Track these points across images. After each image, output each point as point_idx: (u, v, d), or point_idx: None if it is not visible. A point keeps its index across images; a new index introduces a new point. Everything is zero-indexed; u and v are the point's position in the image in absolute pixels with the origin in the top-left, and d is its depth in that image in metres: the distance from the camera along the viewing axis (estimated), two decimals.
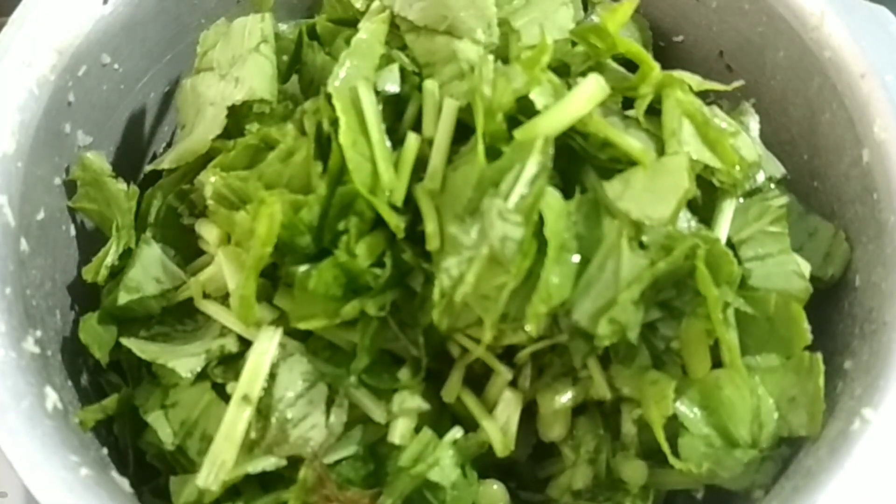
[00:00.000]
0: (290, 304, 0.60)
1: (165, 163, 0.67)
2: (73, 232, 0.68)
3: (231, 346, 0.62)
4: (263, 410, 0.59)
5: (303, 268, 0.58)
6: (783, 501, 0.57)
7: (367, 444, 0.62)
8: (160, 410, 0.62)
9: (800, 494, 0.55)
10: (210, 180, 0.61)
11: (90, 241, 0.71)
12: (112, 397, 0.64)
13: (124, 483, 0.61)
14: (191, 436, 0.61)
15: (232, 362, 0.62)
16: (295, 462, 0.60)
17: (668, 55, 0.79)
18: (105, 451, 0.63)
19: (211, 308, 0.63)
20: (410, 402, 0.61)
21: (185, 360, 0.61)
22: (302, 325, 0.59)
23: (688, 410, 0.60)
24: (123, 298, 0.64)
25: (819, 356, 0.60)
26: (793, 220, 0.66)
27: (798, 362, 0.61)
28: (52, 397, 0.57)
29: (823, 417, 0.59)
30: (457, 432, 0.63)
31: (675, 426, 0.59)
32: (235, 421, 0.58)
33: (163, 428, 0.61)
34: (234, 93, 0.65)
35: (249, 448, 0.59)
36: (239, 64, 0.66)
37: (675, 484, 0.64)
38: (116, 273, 0.65)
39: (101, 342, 0.64)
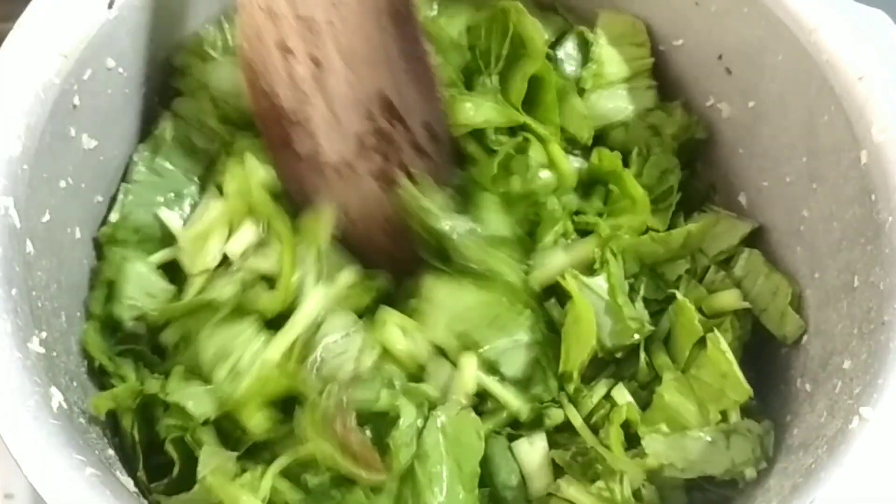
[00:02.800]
0: None
1: None
2: (77, 234, 0.69)
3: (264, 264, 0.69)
4: (308, 344, 0.66)
5: None
6: (783, 500, 0.57)
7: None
8: (182, 381, 0.66)
9: (799, 492, 0.56)
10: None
11: (95, 244, 0.72)
12: (124, 386, 0.65)
13: (129, 483, 0.61)
14: (223, 361, 0.66)
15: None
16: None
17: (667, 59, 0.79)
18: (110, 451, 0.63)
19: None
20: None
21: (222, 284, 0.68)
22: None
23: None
24: (126, 315, 0.69)
25: (717, 336, 0.67)
26: (759, 280, 0.72)
27: (711, 345, 0.67)
28: (57, 397, 0.58)
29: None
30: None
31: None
32: (287, 332, 0.66)
33: (190, 399, 0.64)
34: None
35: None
36: None
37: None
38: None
39: (104, 350, 0.68)
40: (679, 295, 0.71)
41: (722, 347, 0.67)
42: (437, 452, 0.64)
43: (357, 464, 0.63)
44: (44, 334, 0.60)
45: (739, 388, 0.67)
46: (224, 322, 0.67)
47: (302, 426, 0.63)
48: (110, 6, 0.66)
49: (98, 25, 0.65)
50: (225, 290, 0.68)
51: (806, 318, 0.70)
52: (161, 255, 0.73)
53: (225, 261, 0.72)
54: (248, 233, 0.71)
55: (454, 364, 0.69)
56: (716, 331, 0.68)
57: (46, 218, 0.63)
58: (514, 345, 0.69)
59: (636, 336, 0.69)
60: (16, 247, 0.59)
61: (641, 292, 0.73)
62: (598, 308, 0.69)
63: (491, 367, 0.69)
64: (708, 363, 0.68)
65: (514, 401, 0.69)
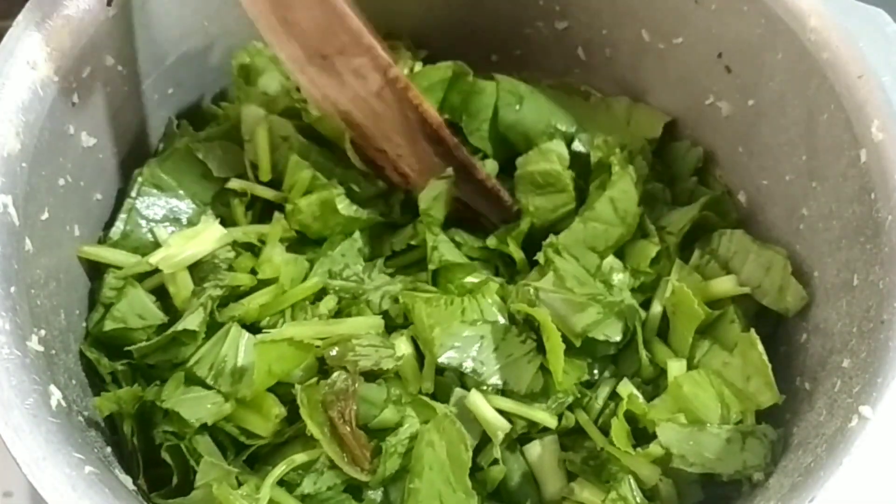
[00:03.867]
0: None
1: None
2: (76, 233, 0.69)
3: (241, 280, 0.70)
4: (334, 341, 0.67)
5: None
6: (782, 499, 0.57)
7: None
8: (181, 387, 0.66)
9: (798, 491, 0.56)
10: None
11: (93, 243, 0.72)
12: (127, 389, 0.65)
13: (128, 481, 0.61)
14: (222, 374, 0.65)
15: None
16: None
17: (667, 57, 0.79)
18: (109, 449, 0.63)
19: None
20: None
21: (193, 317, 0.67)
22: None
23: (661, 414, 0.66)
24: (109, 326, 0.69)
25: (754, 336, 0.67)
26: (749, 259, 0.72)
27: (743, 345, 0.67)
28: (55, 395, 0.58)
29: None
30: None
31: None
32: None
33: (184, 405, 0.64)
34: None
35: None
36: None
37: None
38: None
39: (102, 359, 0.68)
40: (674, 280, 0.70)
41: (759, 349, 0.66)
42: (422, 465, 0.63)
43: (343, 455, 0.63)
44: (42, 332, 0.60)
45: (769, 392, 0.67)
46: (204, 343, 0.67)
47: (297, 403, 0.63)
48: (109, 4, 0.66)
49: (97, 23, 0.65)
50: (191, 319, 0.66)
51: (806, 314, 0.70)
52: (151, 281, 0.71)
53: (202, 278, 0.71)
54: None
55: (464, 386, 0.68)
56: (752, 331, 0.68)
57: (45, 216, 0.63)
58: (510, 360, 0.68)
59: (598, 315, 0.68)
60: (14, 244, 0.59)
61: (625, 286, 0.73)
62: (559, 306, 0.69)
63: (501, 391, 0.68)
64: (738, 360, 0.68)
65: (541, 415, 0.67)
